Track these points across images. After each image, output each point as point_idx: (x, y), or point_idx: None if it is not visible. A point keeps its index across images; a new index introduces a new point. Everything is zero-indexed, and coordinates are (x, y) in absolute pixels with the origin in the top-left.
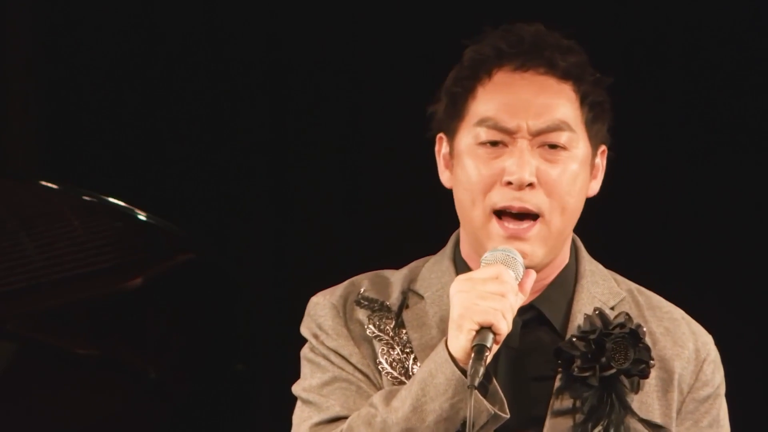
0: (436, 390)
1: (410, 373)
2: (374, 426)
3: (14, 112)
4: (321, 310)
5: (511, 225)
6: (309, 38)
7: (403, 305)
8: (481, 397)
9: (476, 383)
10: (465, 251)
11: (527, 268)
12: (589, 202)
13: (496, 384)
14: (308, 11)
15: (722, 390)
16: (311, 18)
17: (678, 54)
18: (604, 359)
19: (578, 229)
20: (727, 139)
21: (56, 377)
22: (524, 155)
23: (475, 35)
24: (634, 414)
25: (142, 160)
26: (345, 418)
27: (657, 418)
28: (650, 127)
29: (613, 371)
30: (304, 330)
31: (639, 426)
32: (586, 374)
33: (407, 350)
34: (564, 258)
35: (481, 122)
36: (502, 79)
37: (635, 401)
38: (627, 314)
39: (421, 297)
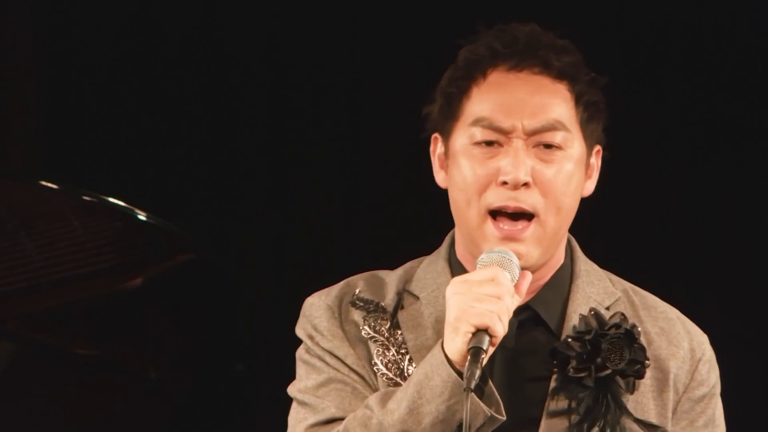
0: (433, 392)
1: (406, 374)
2: (370, 428)
3: (14, 112)
4: (316, 311)
5: (506, 226)
6: (309, 38)
7: (398, 306)
8: (477, 400)
9: (472, 386)
10: (460, 252)
11: (523, 268)
12: (585, 202)
13: (492, 386)
14: (308, 11)
15: (718, 389)
16: (311, 18)
17: (677, 54)
18: (599, 360)
19: (573, 229)
20: (725, 139)
21: (56, 377)
22: (519, 155)
23: (471, 35)
24: (629, 414)
25: (142, 160)
26: (340, 419)
27: (652, 418)
28: (647, 127)
29: (608, 372)
30: (300, 331)
31: (634, 426)
32: (582, 375)
33: (402, 351)
34: (559, 258)
35: (476, 122)
36: (496, 79)
37: (631, 401)
38: (622, 314)
39: (417, 298)
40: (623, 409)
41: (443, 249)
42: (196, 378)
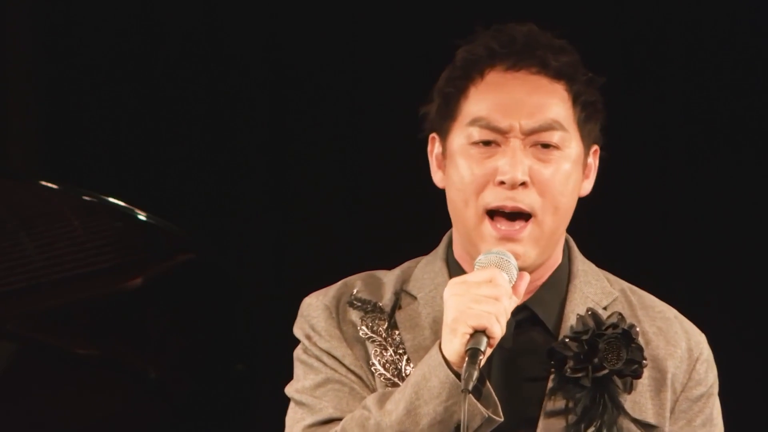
0: (430, 393)
1: (403, 375)
2: (368, 428)
3: (14, 112)
4: (314, 311)
5: (504, 226)
6: (309, 38)
7: (396, 306)
8: (475, 401)
9: (470, 387)
10: (458, 252)
11: (520, 268)
12: (582, 202)
13: (490, 387)
14: (308, 11)
15: (715, 389)
16: (311, 18)
17: (677, 54)
18: (596, 360)
19: (572, 229)
20: (725, 139)
21: (56, 377)
22: (517, 155)
23: (469, 35)
24: (627, 414)
25: (142, 160)
26: (338, 419)
27: (650, 418)
28: (647, 127)
29: (605, 372)
30: (297, 331)
31: (632, 426)
32: (579, 375)
33: (400, 351)
34: (557, 258)
35: (474, 122)
36: (494, 78)
37: (628, 401)
38: (620, 314)
39: (414, 298)
40: (620, 409)
41: (441, 249)
42: (196, 378)
